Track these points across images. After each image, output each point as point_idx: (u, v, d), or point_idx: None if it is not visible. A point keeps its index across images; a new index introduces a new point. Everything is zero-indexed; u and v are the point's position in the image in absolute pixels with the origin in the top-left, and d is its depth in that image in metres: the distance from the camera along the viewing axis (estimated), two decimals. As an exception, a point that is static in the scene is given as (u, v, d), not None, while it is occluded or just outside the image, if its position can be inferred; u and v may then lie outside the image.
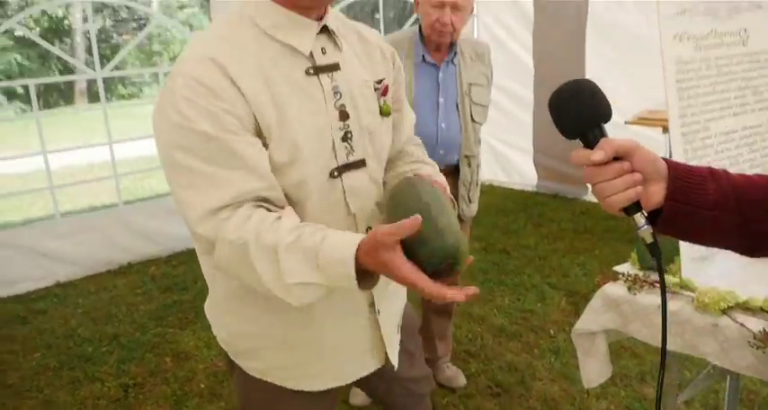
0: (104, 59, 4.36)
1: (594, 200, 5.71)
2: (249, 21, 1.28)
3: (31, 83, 4.17)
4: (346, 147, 1.33)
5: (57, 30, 13.12)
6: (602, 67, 5.06)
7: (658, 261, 0.97)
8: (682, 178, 0.97)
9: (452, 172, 2.66)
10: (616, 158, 0.95)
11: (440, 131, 2.58)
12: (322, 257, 1.13)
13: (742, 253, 1.05)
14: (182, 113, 1.17)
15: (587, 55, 5.17)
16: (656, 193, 0.97)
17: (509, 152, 5.96)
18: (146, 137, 5.12)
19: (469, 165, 2.68)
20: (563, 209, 5.39)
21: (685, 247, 1.57)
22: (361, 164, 1.36)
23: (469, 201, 2.75)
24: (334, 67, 1.33)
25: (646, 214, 0.96)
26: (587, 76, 5.28)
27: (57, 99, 13.02)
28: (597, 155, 0.94)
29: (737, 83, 1.55)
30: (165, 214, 4.71)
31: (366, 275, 1.13)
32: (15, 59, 12.39)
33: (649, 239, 0.95)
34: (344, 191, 1.33)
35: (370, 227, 1.38)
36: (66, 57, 4.74)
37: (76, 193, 6.83)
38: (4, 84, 10.51)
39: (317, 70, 1.30)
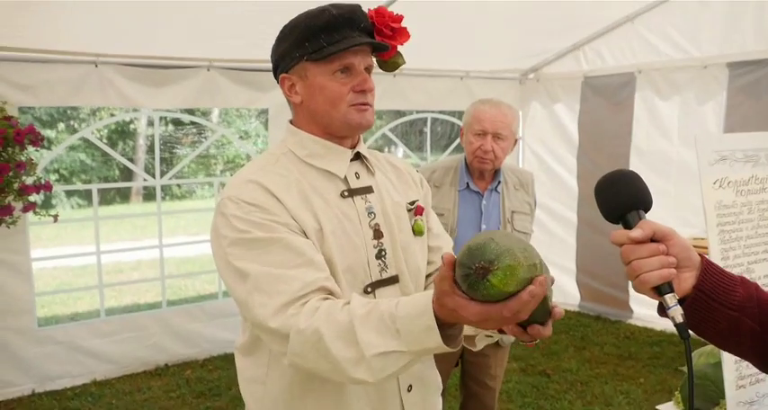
0: (163, 163, 4.61)
1: (639, 324, 5.56)
2: (288, 152, 1.44)
3: (95, 188, 4.44)
4: (380, 264, 1.42)
5: (122, 132, 13.93)
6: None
7: (686, 341, 0.98)
8: (713, 274, 1.01)
9: None
10: (653, 240, 1.00)
11: None
12: (399, 317, 1.12)
13: (756, 365, 1.05)
14: (237, 229, 1.29)
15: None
16: (687, 281, 1.01)
17: (552, 271, 5.90)
18: (195, 241, 5.32)
19: None
20: (606, 332, 5.26)
21: (731, 391, 1.53)
22: (394, 280, 1.44)
23: None
24: (367, 190, 1.46)
25: (677, 297, 0.99)
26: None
27: (113, 196, 13.60)
28: (635, 232, 0.99)
29: (780, 226, 1.57)
30: (205, 317, 4.77)
31: (449, 335, 1.12)
32: (79, 158, 13.11)
33: (679, 319, 0.97)
34: None
35: None
36: (129, 165, 5.03)
37: (123, 289, 6.99)
38: (72, 186, 11.10)
39: (352, 192, 1.43)
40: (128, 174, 12.51)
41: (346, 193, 1.42)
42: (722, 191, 1.44)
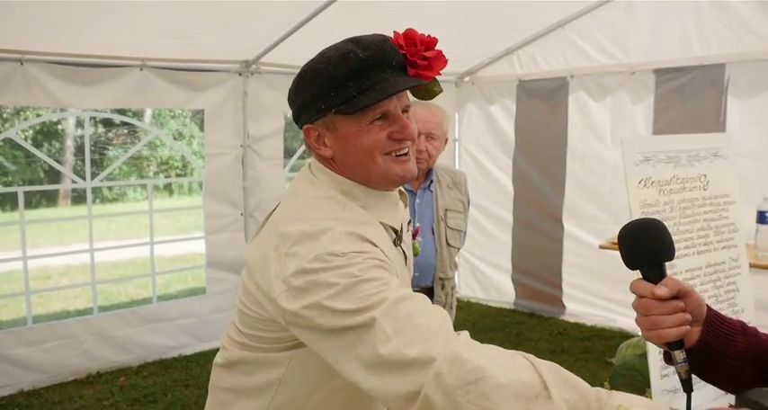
0: (93, 164, 4.47)
1: (571, 319, 5.74)
2: (344, 199, 1.26)
3: (20, 190, 4.27)
4: None
5: (48, 132, 13.38)
6: (580, 192, 5.29)
7: (688, 397, 1.02)
8: (716, 325, 1.06)
9: (426, 294, 2.73)
10: (674, 297, 1.03)
11: None
12: (609, 404, 0.91)
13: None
14: (349, 274, 1.08)
15: (567, 179, 5.40)
16: (694, 334, 1.05)
17: (487, 269, 6.06)
18: (128, 245, 5.17)
19: (443, 288, 2.74)
20: (540, 329, 5.40)
21: (656, 380, 1.61)
22: None
23: None
24: (402, 231, 1.37)
25: (685, 353, 1.03)
26: (565, 199, 5.48)
27: (40, 199, 13.04)
28: (662, 290, 1.01)
29: (700, 224, 1.66)
30: (139, 322, 4.66)
31: None
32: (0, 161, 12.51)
33: (684, 375, 1.01)
34: None
35: None
36: (57, 166, 4.86)
37: (50, 296, 6.73)
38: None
39: (400, 240, 1.34)
40: (54, 177, 12.03)
41: (397, 242, 1.32)
42: (646, 191, 1.52)
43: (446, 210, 2.73)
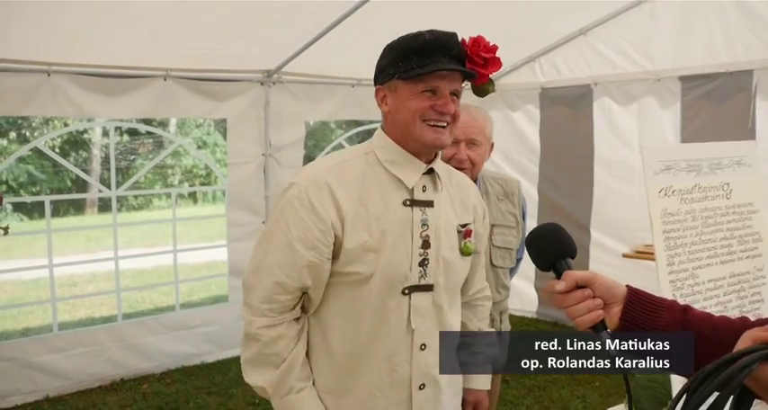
0: (119, 173, 4.53)
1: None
2: (372, 152, 1.62)
3: (47, 199, 4.33)
4: (420, 272, 1.58)
5: (75, 142, 13.60)
6: (608, 199, 5.22)
7: (625, 376, 1.08)
8: (637, 303, 1.11)
9: None
10: (581, 287, 1.09)
11: None
12: None
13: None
14: (284, 217, 1.56)
15: (594, 186, 5.34)
16: (616, 314, 1.11)
17: (512, 278, 5.99)
18: (152, 253, 5.23)
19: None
20: (564, 339, 5.33)
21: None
22: (429, 287, 1.58)
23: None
24: (428, 204, 1.61)
25: (610, 332, 1.09)
26: (593, 208, 5.38)
27: (67, 208, 13.25)
28: (559, 285, 1.10)
29: (723, 233, 1.63)
30: (162, 329, 4.69)
31: None
32: (28, 170, 12.72)
33: (615, 354, 1.07)
34: (410, 308, 1.56)
35: (424, 344, 1.58)
36: (83, 176, 4.93)
37: (76, 303, 6.82)
38: (21, 198, 10.71)
39: (413, 203, 1.59)
40: (82, 186, 12.20)
41: (408, 203, 1.58)
42: (667, 200, 1.49)
43: (493, 226, 2.37)
